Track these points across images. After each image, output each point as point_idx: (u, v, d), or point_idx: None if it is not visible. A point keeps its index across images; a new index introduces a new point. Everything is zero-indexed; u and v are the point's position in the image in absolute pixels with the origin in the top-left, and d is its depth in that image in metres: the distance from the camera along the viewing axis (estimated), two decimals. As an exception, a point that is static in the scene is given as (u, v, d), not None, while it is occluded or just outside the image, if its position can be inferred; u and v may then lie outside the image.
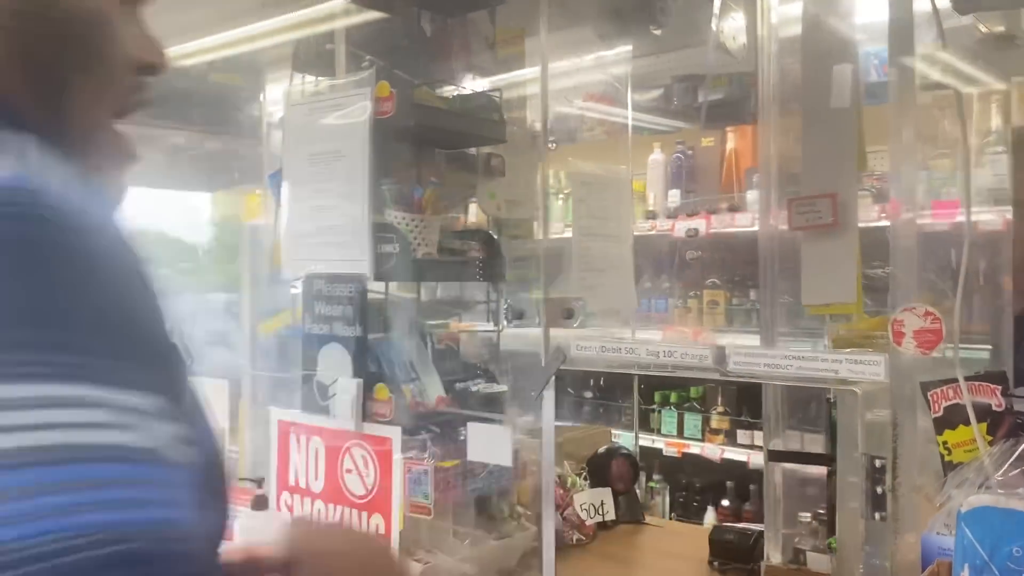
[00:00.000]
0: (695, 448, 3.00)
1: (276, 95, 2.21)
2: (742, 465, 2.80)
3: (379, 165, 1.48)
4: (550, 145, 1.73)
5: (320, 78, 1.60)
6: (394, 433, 1.38)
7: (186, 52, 2.23)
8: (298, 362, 1.53)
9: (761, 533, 1.57)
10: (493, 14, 1.73)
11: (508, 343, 1.62)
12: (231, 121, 2.38)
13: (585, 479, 1.73)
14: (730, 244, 2.85)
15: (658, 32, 1.94)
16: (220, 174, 2.81)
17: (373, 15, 1.62)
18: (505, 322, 1.62)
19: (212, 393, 1.66)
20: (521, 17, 1.85)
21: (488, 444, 1.35)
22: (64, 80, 0.55)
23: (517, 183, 1.75)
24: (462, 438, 1.43)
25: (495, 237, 1.64)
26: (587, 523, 1.63)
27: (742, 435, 2.86)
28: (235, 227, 2.64)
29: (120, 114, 0.58)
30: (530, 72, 1.73)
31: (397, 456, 1.37)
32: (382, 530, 1.37)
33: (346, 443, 1.42)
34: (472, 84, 1.68)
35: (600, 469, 1.77)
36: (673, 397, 3.15)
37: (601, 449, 1.84)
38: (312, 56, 1.59)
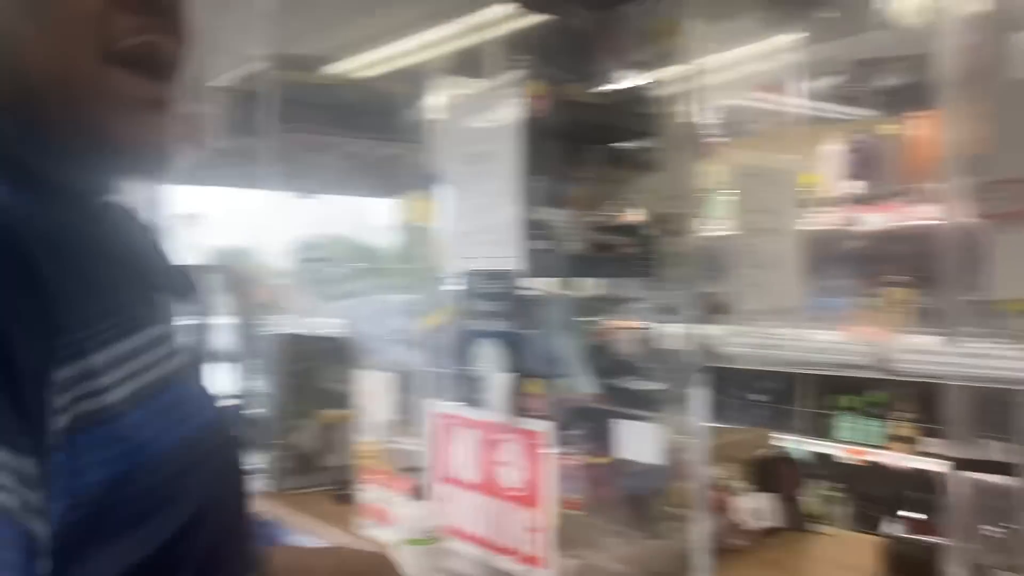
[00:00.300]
0: (873, 455, 2.83)
1: (436, 100, 2.29)
2: (923, 474, 2.62)
3: (532, 164, 1.50)
4: (712, 138, 1.69)
5: (475, 80, 1.64)
6: (546, 428, 1.40)
7: (356, 65, 2.36)
8: (458, 357, 1.58)
9: (941, 547, 1.46)
10: (649, 5, 1.71)
11: (664, 341, 1.59)
12: (402, 129, 2.49)
13: (747, 483, 1.67)
14: (911, 237, 2.67)
15: (829, 16, 1.85)
16: (396, 178, 2.94)
17: (529, 18, 1.65)
18: (691, 318, 1.59)
19: (383, 385, 1.75)
20: (678, 7, 1.82)
21: (639, 442, 1.33)
22: (14, 38, 0.50)
23: (674, 178, 1.71)
24: (613, 435, 1.42)
25: (650, 233, 1.62)
26: (747, 528, 1.58)
27: (925, 443, 2.67)
28: (411, 229, 2.76)
29: (128, 60, 0.53)
30: (688, 64, 1.69)
31: (549, 451, 1.38)
32: (535, 524, 1.39)
33: (499, 436, 1.45)
34: (626, 79, 1.67)
35: (763, 473, 1.71)
36: (852, 401, 2.99)
37: (764, 452, 1.77)
38: (468, 60, 1.63)
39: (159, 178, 0.60)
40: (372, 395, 1.77)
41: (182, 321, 0.64)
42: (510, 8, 1.80)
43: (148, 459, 0.49)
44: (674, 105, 1.72)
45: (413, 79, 2.33)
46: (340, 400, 2.03)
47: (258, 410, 2.19)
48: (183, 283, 0.62)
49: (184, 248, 2.99)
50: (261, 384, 2.19)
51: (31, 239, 0.47)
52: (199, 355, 0.64)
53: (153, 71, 0.55)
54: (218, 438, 0.60)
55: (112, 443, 0.47)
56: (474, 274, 1.56)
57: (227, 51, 2.32)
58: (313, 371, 2.15)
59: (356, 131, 2.50)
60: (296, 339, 2.13)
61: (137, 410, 0.49)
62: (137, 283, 0.57)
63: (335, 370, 2.07)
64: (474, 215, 1.56)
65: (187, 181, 2.90)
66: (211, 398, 0.62)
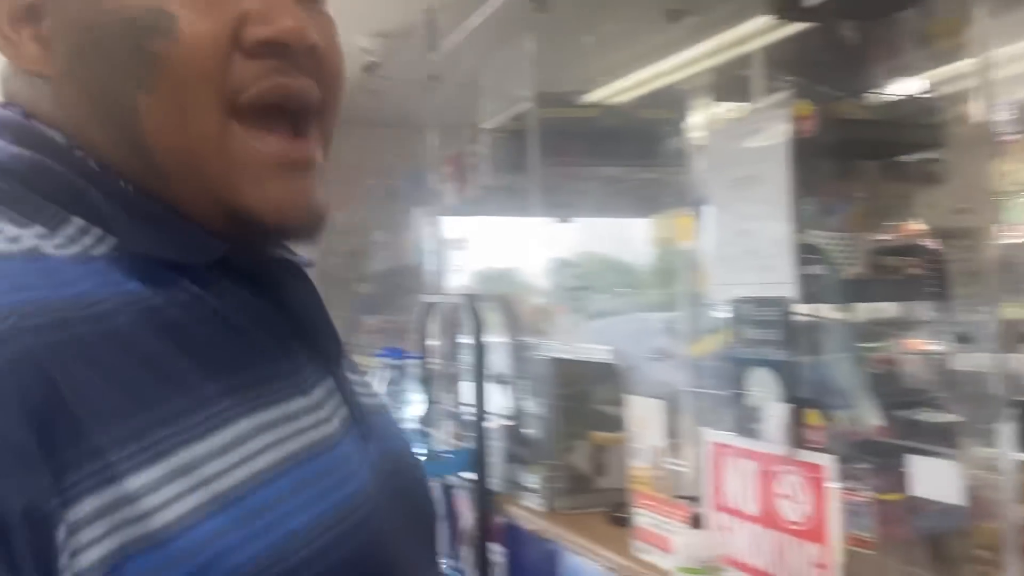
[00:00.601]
0: None
1: (697, 123, 2.28)
2: None
3: (801, 185, 1.45)
4: (1007, 136, 1.54)
5: (739, 103, 1.62)
6: (828, 461, 1.34)
7: (614, 92, 2.41)
8: (729, 384, 1.56)
9: None
10: (928, 7, 1.60)
11: (960, 368, 1.47)
12: (660, 152, 2.50)
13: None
14: None
15: None
16: (653, 200, 2.96)
17: (790, 34, 1.60)
18: (993, 342, 1.47)
19: (654, 411, 1.76)
20: (962, 3, 1.68)
21: (935, 479, 1.24)
22: (132, 107, 0.48)
23: (963, 188, 1.58)
24: (905, 470, 1.33)
25: (938, 250, 1.50)
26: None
27: None
28: (670, 249, 2.76)
29: (260, 112, 0.49)
30: (972, 64, 1.56)
31: (832, 485, 1.32)
32: (821, 560, 1.34)
33: (778, 468, 1.41)
34: (902, 87, 1.57)
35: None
36: None
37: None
38: (730, 83, 1.61)
39: (313, 241, 0.54)
40: (643, 420, 1.79)
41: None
42: (771, 21, 1.76)
43: (239, 566, 0.43)
44: (961, 106, 1.59)
45: (671, 102, 2.34)
46: (612, 422, 2.07)
47: (531, 430, 2.30)
48: (332, 346, 0.56)
49: (453, 271, 3.20)
50: (534, 405, 2.29)
51: (73, 352, 0.42)
52: (379, 405, 0.58)
53: (288, 123, 0.51)
54: (391, 485, 0.54)
55: (176, 564, 0.41)
56: (744, 301, 1.54)
57: (495, 94, 2.46)
58: (585, 393, 2.21)
59: (615, 157, 2.55)
60: (567, 362, 2.20)
61: (219, 516, 0.43)
62: (256, 363, 0.50)
63: (606, 392, 2.12)
64: (740, 239, 1.54)
65: (455, 213, 3.11)
66: (374, 454, 0.54)
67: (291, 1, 0.50)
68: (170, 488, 0.42)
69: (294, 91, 0.50)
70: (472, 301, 2.49)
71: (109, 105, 0.49)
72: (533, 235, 2.64)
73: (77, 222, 0.48)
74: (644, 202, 2.99)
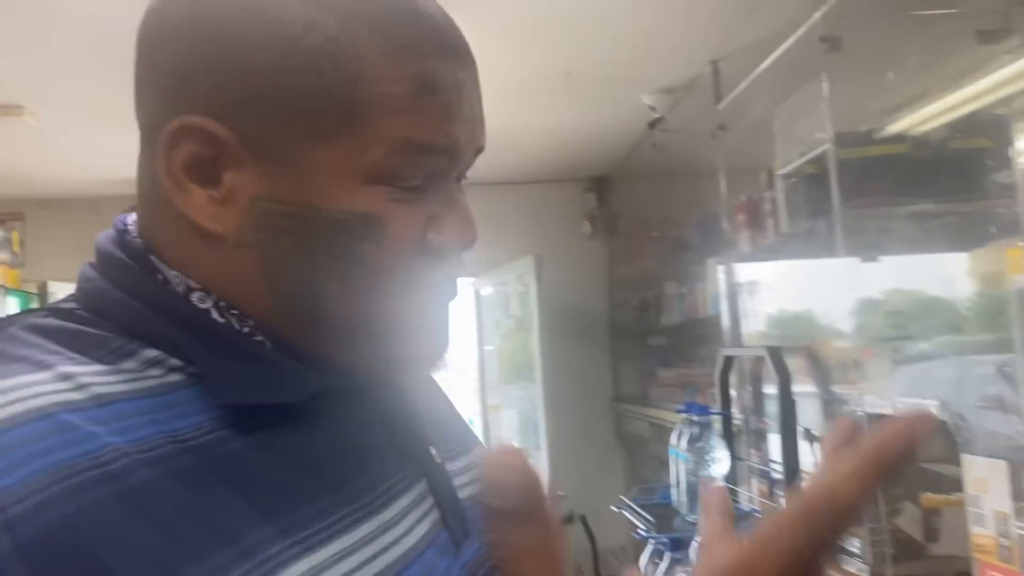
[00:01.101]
0: None
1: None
2: None
3: None
4: None
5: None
6: None
7: (920, 124, 2.25)
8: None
9: None
10: None
11: None
12: (978, 184, 2.29)
13: None
14: None
15: None
16: (972, 234, 2.70)
17: None
18: None
19: (996, 471, 1.59)
20: None
21: None
22: (317, 292, 0.51)
23: None
24: None
25: None
26: None
27: None
28: (998, 284, 2.49)
29: (431, 286, 0.54)
30: None
31: None
32: None
33: None
34: None
35: None
36: None
37: None
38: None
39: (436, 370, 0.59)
40: (984, 481, 1.62)
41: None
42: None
43: None
44: None
45: (989, 130, 2.14)
46: (944, 483, 1.89)
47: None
48: (468, 439, 0.60)
49: (749, 320, 3.11)
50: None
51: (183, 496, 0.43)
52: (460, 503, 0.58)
53: (451, 283, 0.57)
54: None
55: None
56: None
57: (789, 138, 2.40)
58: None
59: (926, 192, 2.36)
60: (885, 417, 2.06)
61: None
62: (396, 455, 0.54)
63: (935, 449, 1.94)
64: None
65: (750, 260, 3.04)
66: (470, 553, 0.56)
67: (460, 197, 0.55)
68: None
69: (456, 287, 0.56)
70: (776, 352, 2.41)
71: (290, 283, 0.51)
72: (834, 277, 2.51)
73: (151, 355, 0.48)
74: (961, 237, 2.74)
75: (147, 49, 0.51)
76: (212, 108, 0.49)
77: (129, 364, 0.47)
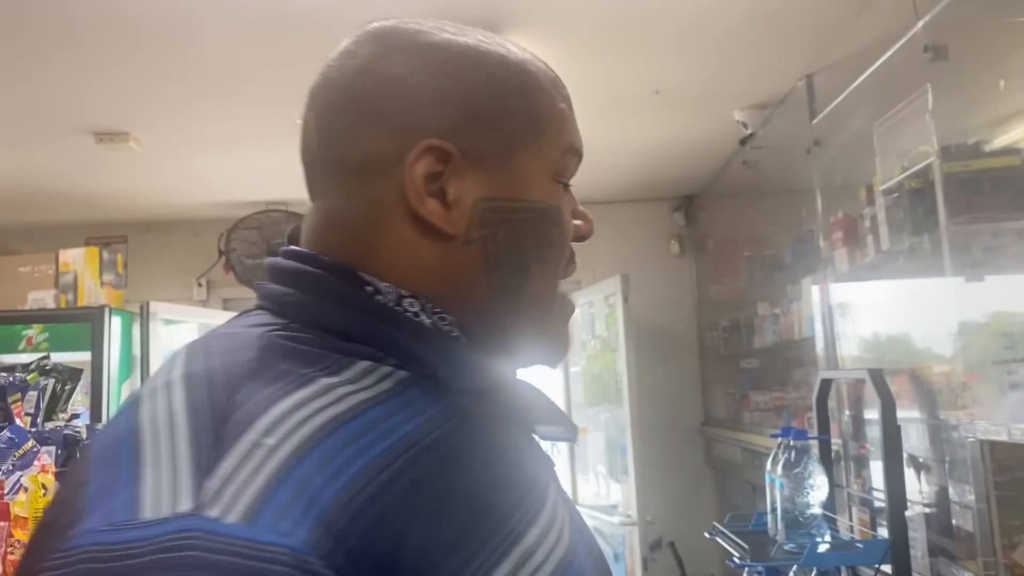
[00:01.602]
0: None
1: None
2: None
3: None
4: None
5: None
6: None
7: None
8: None
9: None
10: None
11: None
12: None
13: None
14: None
15: None
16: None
17: None
18: None
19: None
20: None
21: None
22: (525, 272, 0.63)
23: None
24: None
25: None
26: None
27: None
28: None
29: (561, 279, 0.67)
30: None
31: None
32: None
33: None
34: None
35: None
36: None
37: None
38: None
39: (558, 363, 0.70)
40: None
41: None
42: None
43: None
44: None
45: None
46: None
47: (960, 521, 2.04)
48: (570, 427, 0.68)
49: (847, 342, 3.00)
50: (960, 492, 2.04)
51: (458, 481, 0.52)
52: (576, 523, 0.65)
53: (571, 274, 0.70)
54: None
55: None
56: None
57: (890, 153, 2.31)
58: (1025, 482, 1.92)
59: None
60: (1002, 444, 1.94)
61: None
62: (524, 477, 0.59)
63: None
64: None
65: (848, 279, 2.92)
66: (594, 545, 0.65)
67: (575, 200, 0.69)
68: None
69: (575, 268, 0.70)
70: (879, 375, 2.31)
71: (507, 269, 0.63)
72: (937, 297, 2.39)
73: (412, 367, 0.58)
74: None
75: (367, 100, 0.62)
76: (440, 133, 0.61)
77: (348, 374, 0.55)
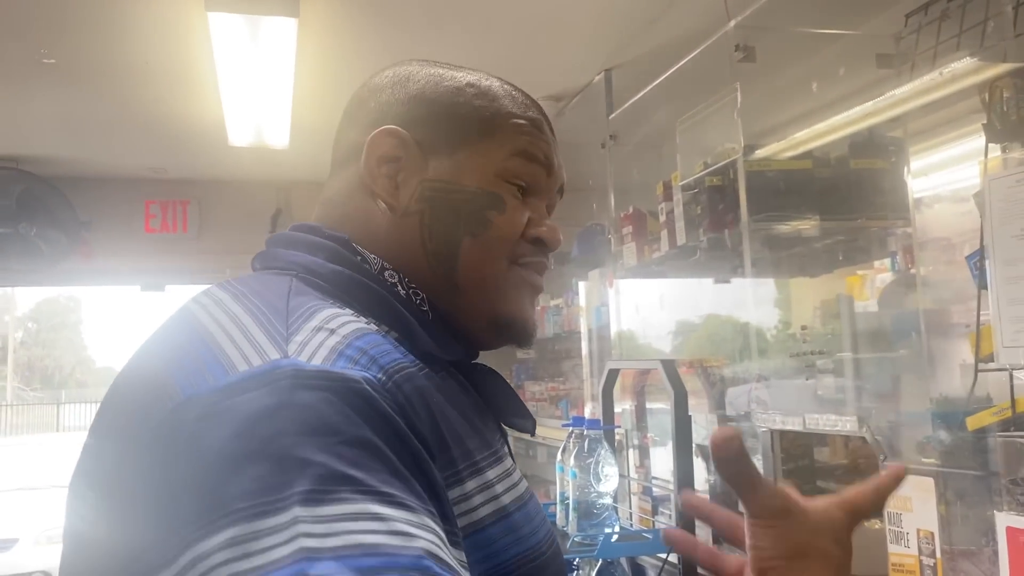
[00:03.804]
0: None
1: (921, 169, 2.10)
2: None
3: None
4: None
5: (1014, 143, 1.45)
6: None
7: (823, 143, 2.26)
8: (1013, 462, 1.36)
9: None
10: None
11: None
12: (870, 205, 2.32)
13: None
14: None
15: None
16: (826, 257, 2.76)
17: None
18: None
19: (918, 489, 1.57)
20: None
21: None
22: (456, 243, 0.75)
23: None
24: None
25: None
26: None
27: None
28: (833, 311, 2.56)
29: (525, 265, 0.79)
30: None
31: None
32: None
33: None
34: None
35: None
36: None
37: None
38: (1012, 123, 1.45)
39: (528, 346, 0.83)
40: (905, 499, 1.59)
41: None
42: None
43: (505, 562, 0.66)
44: None
45: (893, 151, 2.18)
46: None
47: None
48: (530, 420, 0.81)
49: (618, 329, 3.08)
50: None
51: (433, 396, 0.65)
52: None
53: (538, 273, 0.82)
54: (555, 549, 0.75)
55: (479, 549, 0.64)
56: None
57: (694, 150, 2.36)
58: (808, 469, 2.02)
59: (822, 213, 2.38)
60: (789, 434, 2.03)
61: (497, 524, 0.67)
62: (491, 425, 0.76)
63: (840, 469, 1.92)
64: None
65: (633, 276, 2.99)
66: (545, 516, 0.77)
67: (546, 215, 0.82)
68: (479, 496, 0.67)
69: (544, 269, 0.82)
70: (671, 366, 2.35)
71: (439, 238, 0.76)
72: (730, 292, 2.49)
73: (382, 325, 0.70)
74: (820, 259, 2.80)
75: (358, 103, 0.82)
76: (400, 125, 0.78)
77: (348, 311, 0.68)
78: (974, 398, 1.55)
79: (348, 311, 0.67)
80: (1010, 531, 1.37)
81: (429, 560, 0.52)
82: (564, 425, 2.52)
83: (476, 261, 0.76)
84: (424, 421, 0.62)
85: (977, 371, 1.48)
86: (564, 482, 2.41)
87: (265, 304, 0.65)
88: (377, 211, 0.77)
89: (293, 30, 2.32)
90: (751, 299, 2.38)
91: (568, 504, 2.38)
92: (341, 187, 0.80)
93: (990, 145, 1.49)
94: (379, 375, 0.60)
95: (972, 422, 1.49)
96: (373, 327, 0.67)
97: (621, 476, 2.70)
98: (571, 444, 2.43)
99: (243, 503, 0.50)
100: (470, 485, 0.65)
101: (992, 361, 1.43)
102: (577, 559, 2.40)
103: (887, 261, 2.61)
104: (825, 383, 2.27)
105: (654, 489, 2.65)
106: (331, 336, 0.62)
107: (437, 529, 0.55)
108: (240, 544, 0.49)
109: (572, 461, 2.39)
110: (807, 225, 2.30)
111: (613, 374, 2.78)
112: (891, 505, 1.64)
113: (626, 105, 2.87)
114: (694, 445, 2.33)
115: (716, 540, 2.22)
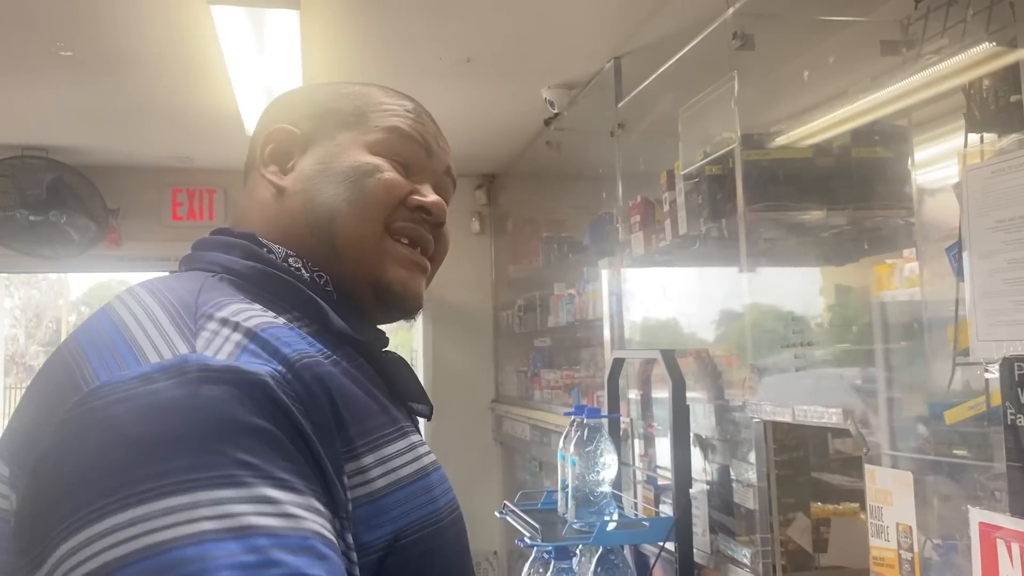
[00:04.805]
0: None
1: (927, 159, 2.06)
2: None
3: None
4: None
5: (1004, 135, 1.42)
6: None
7: (826, 131, 2.23)
8: (993, 454, 1.34)
9: None
10: None
11: None
12: (877, 195, 2.29)
13: None
14: None
15: None
16: (849, 247, 2.72)
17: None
18: None
19: (897, 483, 1.55)
20: None
21: None
22: (335, 210, 0.83)
23: None
24: None
25: None
26: None
27: None
28: (859, 300, 2.52)
29: (401, 233, 0.86)
30: None
31: None
32: None
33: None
34: None
35: None
36: None
37: None
38: (991, 112, 1.42)
39: (413, 319, 0.90)
40: (886, 492, 1.58)
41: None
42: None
43: (404, 527, 0.72)
44: None
45: (896, 140, 2.14)
46: (836, 494, 1.86)
47: (740, 499, 2.11)
48: (428, 406, 0.89)
49: (632, 318, 3.07)
50: (744, 471, 2.11)
51: (335, 380, 0.71)
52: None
53: (417, 246, 0.88)
54: (455, 516, 0.81)
55: (376, 516, 0.71)
56: (1019, 360, 1.32)
57: (692, 140, 2.34)
58: (803, 460, 2.01)
59: (826, 202, 2.35)
60: (783, 425, 2.02)
61: (394, 494, 0.73)
62: (399, 405, 0.82)
63: (830, 460, 1.91)
64: (1013, 290, 1.33)
65: (642, 264, 2.98)
66: (449, 487, 0.83)
67: (436, 196, 0.90)
68: (377, 469, 0.73)
69: (425, 238, 0.89)
70: (670, 355, 2.35)
71: (319, 208, 0.84)
72: (729, 283, 2.47)
73: (293, 312, 0.78)
74: (839, 248, 2.76)
75: (265, 116, 0.93)
76: (290, 122, 0.89)
77: (257, 305, 0.75)
78: (957, 392, 1.53)
79: (257, 305, 0.74)
80: (983, 526, 1.35)
81: (315, 539, 0.60)
82: (566, 413, 2.53)
83: (353, 225, 0.83)
84: (323, 405, 0.69)
85: (955, 364, 1.46)
86: (564, 469, 2.43)
87: (177, 300, 0.72)
88: (272, 201, 0.86)
89: (296, 21, 2.35)
90: (772, 289, 2.36)
91: (568, 491, 2.39)
92: (247, 190, 0.90)
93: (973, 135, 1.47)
94: (279, 367, 0.68)
95: (950, 416, 1.47)
96: (281, 320, 0.74)
97: (625, 465, 2.71)
98: (572, 432, 2.44)
99: (149, 484, 0.56)
100: (368, 459, 0.72)
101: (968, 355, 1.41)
102: (580, 546, 2.42)
103: (914, 250, 2.57)
104: (849, 374, 2.24)
105: (658, 479, 2.65)
106: (235, 331, 0.69)
107: (324, 511, 0.63)
108: (145, 521, 0.55)
109: (572, 449, 2.40)
110: (821, 215, 2.28)
111: (619, 363, 2.78)
112: (872, 499, 1.63)
113: (633, 94, 2.86)
114: (692, 435, 2.33)
115: (713, 532, 2.23)
